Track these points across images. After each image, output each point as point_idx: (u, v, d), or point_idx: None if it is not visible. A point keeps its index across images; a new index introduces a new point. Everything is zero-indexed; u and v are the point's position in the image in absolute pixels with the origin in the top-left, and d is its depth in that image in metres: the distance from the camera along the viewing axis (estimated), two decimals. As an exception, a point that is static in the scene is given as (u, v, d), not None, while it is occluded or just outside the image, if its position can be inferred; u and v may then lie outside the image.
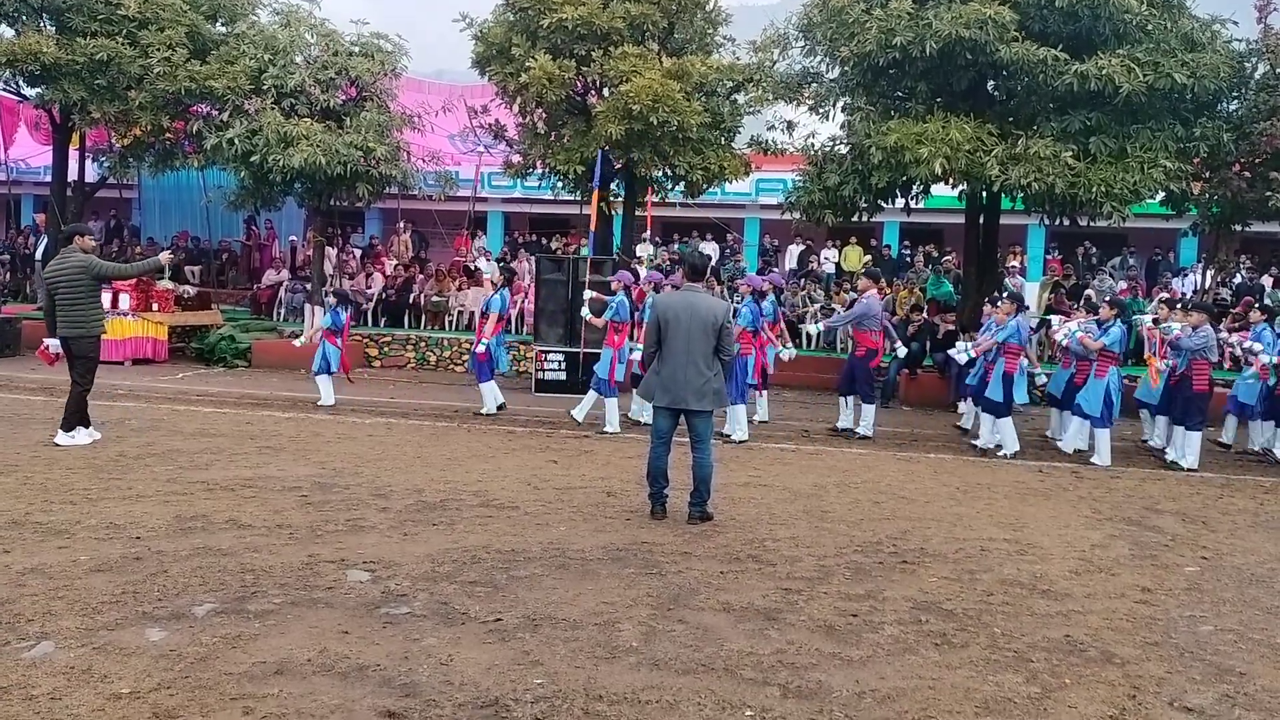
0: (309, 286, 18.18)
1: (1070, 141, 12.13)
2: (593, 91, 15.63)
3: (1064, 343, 11.05)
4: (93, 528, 6.22)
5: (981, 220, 14.87)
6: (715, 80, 15.30)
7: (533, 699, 3.99)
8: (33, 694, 3.84)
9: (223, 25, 18.36)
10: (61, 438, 8.96)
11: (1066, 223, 14.32)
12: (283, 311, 19.59)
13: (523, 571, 5.69)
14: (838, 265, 21.44)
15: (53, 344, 9.08)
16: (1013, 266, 19.83)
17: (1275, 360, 10.81)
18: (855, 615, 5.18)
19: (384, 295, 19.33)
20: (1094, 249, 20.80)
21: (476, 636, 4.65)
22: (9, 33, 17.62)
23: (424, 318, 18.85)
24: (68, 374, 9.20)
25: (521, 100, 15.18)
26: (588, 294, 12.54)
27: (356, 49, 17.04)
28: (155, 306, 16.54)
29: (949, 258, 19.74)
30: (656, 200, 17.60)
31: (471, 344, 12.78)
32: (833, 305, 17.25)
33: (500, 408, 12.14)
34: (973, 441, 11.08)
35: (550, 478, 8.45)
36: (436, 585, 5.37)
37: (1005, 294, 11.37)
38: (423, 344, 17.43)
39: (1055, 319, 12.12)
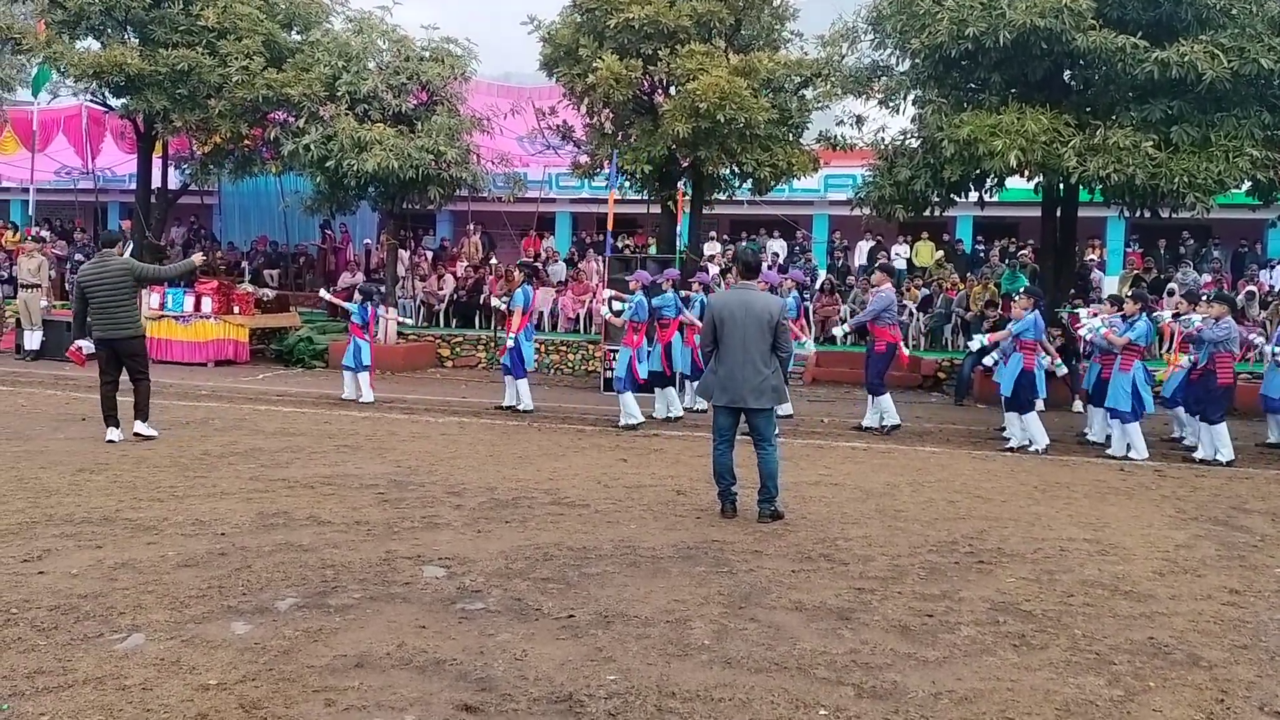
0: (383, 289, 18.50)
1: (1151, 131, 11.78)
2: (660, 90, 15.65)
3: (1088, 337, 10.86)
4: (180, 524, 6.42)
5: (1059, 213, 14.53)
6: (783, 76, 15.21)
7: (606, 695, 4.02)
8: (125, 684, 3.98)
9: (298, 33, 18.79)
10: (140, 427, 9.43)
11: (1147, 214, 13.92)
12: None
13: (594, 569, 5.72)
14: (909, 261, 21.15)
15: (86, 345, 9.52)
16: (1091, 260, 19.35)
17: None
18: (931, 615, 5.11)
19: (455, 296, 19.59)
20: (1191, 240, 20.12)
21: (550, 632, 4.69)
22: (95, 45, 18.26)
23: (494, 318, 19.05)
24: (101, 374, 9.47)
25: (589, 101, 15.26)
26: (607, 293, 12.65)
27: (427, 54, 17.31)
28: (236, 309, 17.00)
29: (1025, 252, 19.33)
30: (724, 198, 17.57)
31: (503, 341, 12.93)
32: (903, 302, 17.03)
33: (525, 411, 12.15)
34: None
35: (620, 476, 8.49)
36: (510, 581, 5.43)
37: (1023, 289, 11.18)
38: (493, 344, 17.62)
39: (1082, 312, 11.87)
